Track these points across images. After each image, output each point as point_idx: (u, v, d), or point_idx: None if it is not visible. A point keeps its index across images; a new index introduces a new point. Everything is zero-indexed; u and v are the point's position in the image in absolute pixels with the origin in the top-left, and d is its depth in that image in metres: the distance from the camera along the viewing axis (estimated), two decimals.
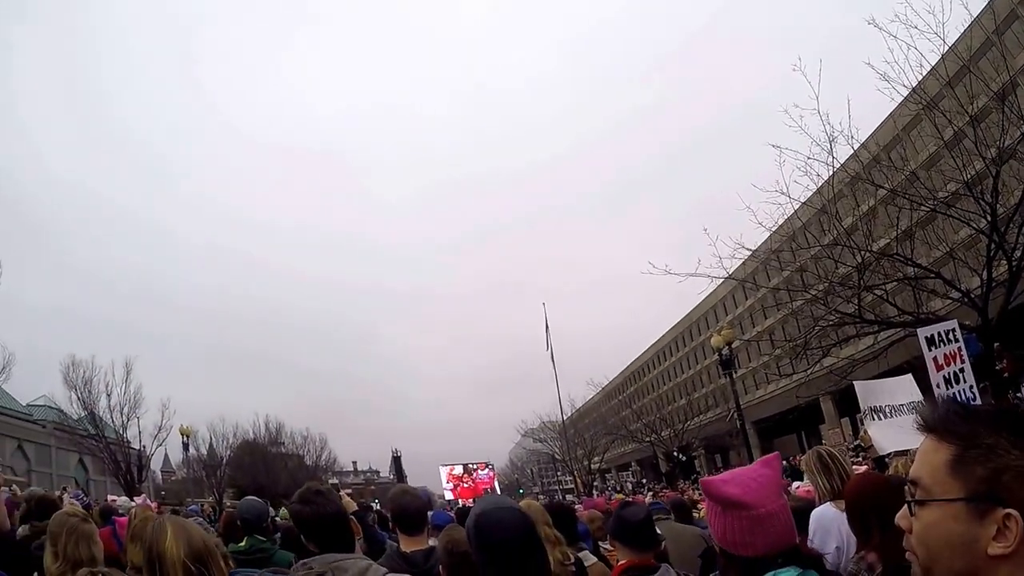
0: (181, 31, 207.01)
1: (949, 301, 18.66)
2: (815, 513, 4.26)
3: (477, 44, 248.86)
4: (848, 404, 50.74)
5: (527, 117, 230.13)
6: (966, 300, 16.96)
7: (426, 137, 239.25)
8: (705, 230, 17.87)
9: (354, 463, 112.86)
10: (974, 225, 16.60)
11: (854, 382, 8.13)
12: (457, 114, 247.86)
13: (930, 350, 8.23)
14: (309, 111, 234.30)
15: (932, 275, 17.69)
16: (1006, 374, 16.09)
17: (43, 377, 58.33)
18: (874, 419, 8.06)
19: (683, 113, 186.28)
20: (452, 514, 7.18)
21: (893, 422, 7.83)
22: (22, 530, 5.89)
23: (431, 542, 4.31)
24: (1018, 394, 17.48)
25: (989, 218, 15.50)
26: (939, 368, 8.20)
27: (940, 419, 1.30)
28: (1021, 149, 15.34)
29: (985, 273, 16.11)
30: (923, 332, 8.38)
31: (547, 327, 60.93)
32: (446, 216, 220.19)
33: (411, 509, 4.27)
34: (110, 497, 16.13)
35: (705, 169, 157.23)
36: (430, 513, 5.16)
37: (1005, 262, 15.77)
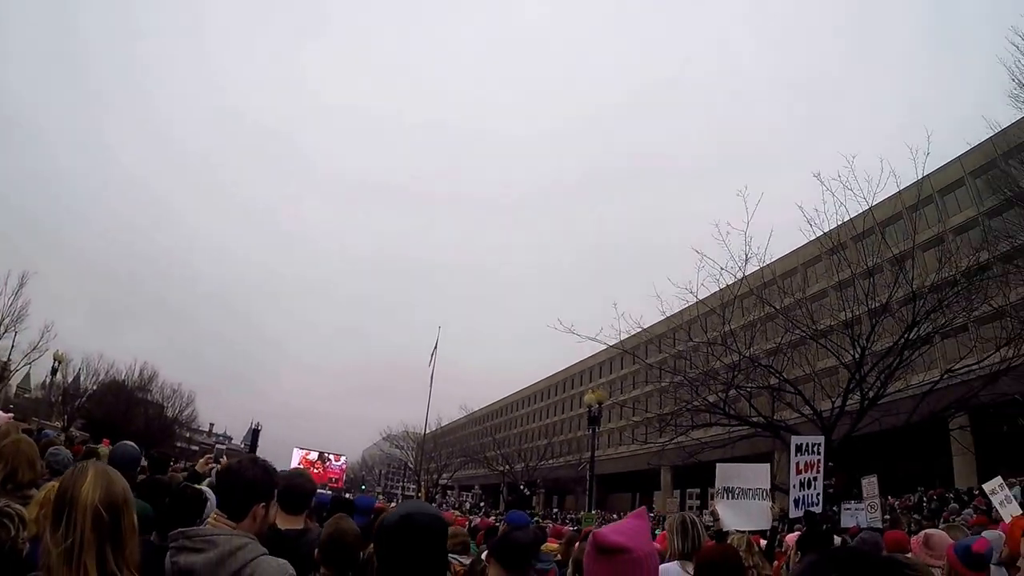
0: None
1: (799, 415, 19.84)
2: (663, 568, 4.36)
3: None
4: (684, 478, 52.83)
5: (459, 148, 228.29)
6: (815, 418, 18.17)
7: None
8: (615, 305, 19.08)
9: (211, 424, 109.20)
10: (840, 358, 17.87)
11: (716, 462, 8.58)
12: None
13: (796, 455, 8.89)
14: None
15: (792, 390, 18.85)
16: (831, 490, 17.20)
17: None
18: (724, 498, 8.50)
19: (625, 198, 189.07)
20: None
21: (740, 503, 8.36)
22: None
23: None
24: (834, 508, 18.71)
25: (856, 356, 16.73)
26: (799, 472, 8.85)
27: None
28: (902, 310, 16.66)
29: (839, 400, 17.36)
30: (795, 440, 9.04)
31: (435, 347, 61.04)
32: (367, 224, 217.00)
33: (301, 491, 4.34)
34: None
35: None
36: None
37: (859, 395, 16.98)
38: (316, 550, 3.82)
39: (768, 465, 9.25)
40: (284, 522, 4.12)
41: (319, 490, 6.20)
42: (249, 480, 2.86)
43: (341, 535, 3.80)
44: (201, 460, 13.39)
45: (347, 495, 23.49)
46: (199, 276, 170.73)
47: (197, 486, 4.26)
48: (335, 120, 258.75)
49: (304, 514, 4.38)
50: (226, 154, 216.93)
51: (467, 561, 5.34)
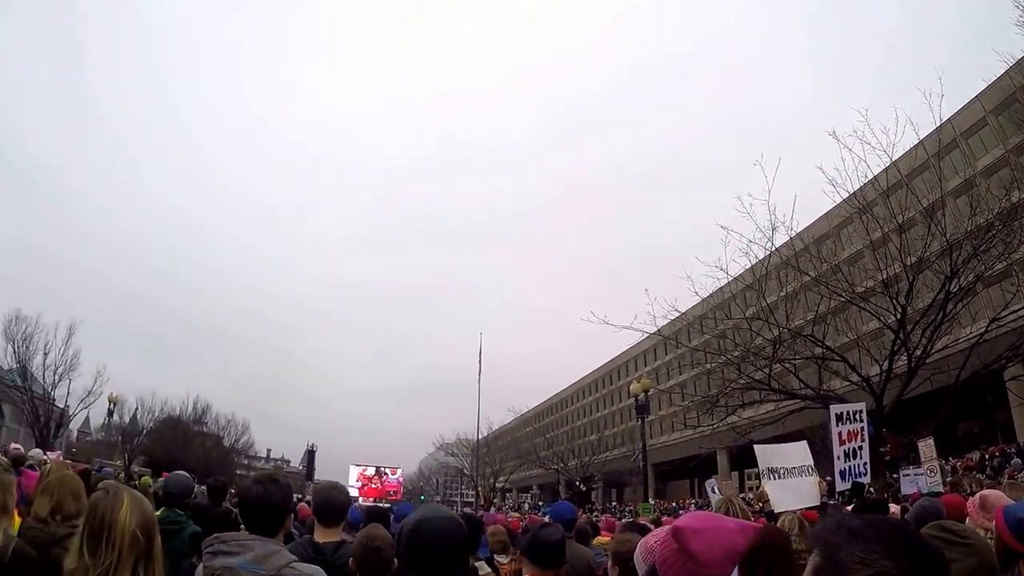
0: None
1: (848, 384, 19.36)
2: None
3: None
4: (741, 460, 52.19)
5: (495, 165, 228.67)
6: (864, 385, 17.72)
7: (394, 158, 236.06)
8: (646, 291, 18.61)
9: (268, 451, 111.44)
10: (883, 320, 17.37)
11: (755, 444, 8.39)
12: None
13: (837, 425, 8.65)
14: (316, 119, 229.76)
15: (838, 358, 18.42)
16: (887, 457, 16.77)
17: None
18: (771, 479, 8.36)
19: (644, 183, 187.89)
20: (361, 511, 7.17)
21: (787, 483, 8.18)
22: None
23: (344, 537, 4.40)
24: (894, 474, 18.20)
25: (899, 316, 16.25)
26: (842, 442, 8.61)
27: (817, 531, 1.30)
28: (938, 262, 16.12)
29: (886, 364, 16.89)
30: (835, 409, 8.81)
31: (480, 356, 61.56)
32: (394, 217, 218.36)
33: (336, 503, 4.37)
34: (13, 445, 15.53)
35: (650, 230, 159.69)
36: None
37: (905, 357, 16.50)
38: (350, 559, 3.87)
39: (805, 442, 9.01)
40: (321, 535, 4.19)
41: (379, 503, 6.19)
42: (254, 496, 2.94)
43: (372, 543, 3.80)
44: None
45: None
46: (244, 301, 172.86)
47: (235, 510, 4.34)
48: (362, 135, 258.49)
49: (340, 526, 4.40)
50: (270, 174, 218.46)
51: (506, 560, 5.35)
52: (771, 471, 8.39)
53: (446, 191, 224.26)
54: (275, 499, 2.93)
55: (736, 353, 19.66)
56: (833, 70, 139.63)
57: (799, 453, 8.66)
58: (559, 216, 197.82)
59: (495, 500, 76.19)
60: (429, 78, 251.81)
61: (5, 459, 4.27)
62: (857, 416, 8.69)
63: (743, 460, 52.04)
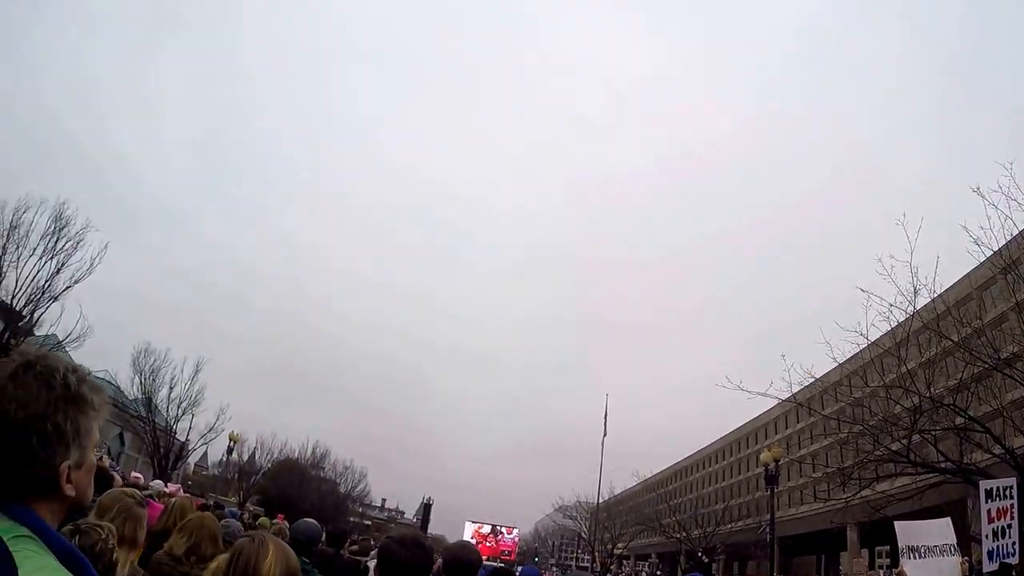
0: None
1: (990, 456, 18.18)
2: None
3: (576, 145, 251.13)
4: (872, 535, 48.84)
5: (634, 220, 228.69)
6: (1008, 458, 16.61)
7: (527, 213, 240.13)
8: (783, 356, 18.23)
9: (383, 500, 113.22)
10: None
11: (895, 521, 8.04)
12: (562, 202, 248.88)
13: (987, 502, 8.22)
14: (416, 171, 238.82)
15: (981, 429, 17.32)
16: None
17: (111, 353, 59.26)
18: (910, 558, 8.04)
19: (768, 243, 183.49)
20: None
21: (928, 563, 7.86)
22: None
23: None
24: None
25: None
26: (991, 520, 8.16)
27: None
28: None
29: None
30: (984, 484, 8.37)
31: (606, 418, 61.46)
32: (529, 291, 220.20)
33: (467, 563, 4.34)
34: (134, 474, 16.60)
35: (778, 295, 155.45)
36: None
37: None
38: None
39: (948, 519, 8.56)
40: None
41: (488, 562, 6.36)
42: (401, 560, 3.08)
43: None
44: None
45: (518, 568, 23.61)
46: (364, 351, 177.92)
47: (362, 559, 4.56)
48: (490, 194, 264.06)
49: None
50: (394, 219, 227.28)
51: None
52: (911, 549, 8.04)
53: (574, 256, 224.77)
54: (420, 563, 3.10)
55: (872, 422, 18.87)
56: (969, 120, 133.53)
57: (942, 530, 8.26)
58: (693, 281, 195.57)
59: (612, 566, 74.47)
60: (565, 151, 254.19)
61: (139, 493, 4.27)
62: (1008, 492, 8.20)
63: (874, 536, 48.74)
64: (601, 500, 66.30)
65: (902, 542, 8.15)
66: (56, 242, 30.21)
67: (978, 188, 16.37)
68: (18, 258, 29.33)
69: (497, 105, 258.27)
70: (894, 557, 45.48)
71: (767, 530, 34.97)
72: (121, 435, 52.90)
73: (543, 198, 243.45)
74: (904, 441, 17.58)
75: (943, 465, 17.65)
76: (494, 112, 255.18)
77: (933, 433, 17.84)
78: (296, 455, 67.51)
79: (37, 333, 32.58)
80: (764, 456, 29.82)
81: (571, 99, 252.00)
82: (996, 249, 16.67)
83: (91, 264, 30.78)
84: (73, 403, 1.45)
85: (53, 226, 30.17)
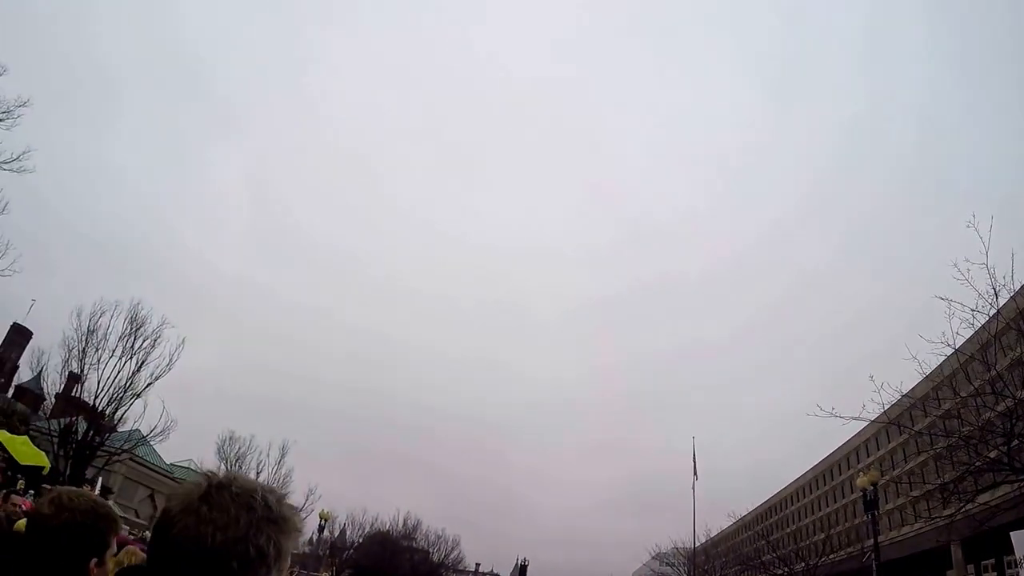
0: None
1: None
2: None
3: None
4: (975, 550, 46.00)
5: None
6: None
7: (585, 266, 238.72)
8: (871, 377, 18.26)
9: (477, 564, 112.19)
10: None
11: (1011, 532, 7.73)
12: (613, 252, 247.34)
13: None
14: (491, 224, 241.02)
15: None
16: None
17: (193, 444, 60.86)
18: None
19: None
20: None
21: None
22: None
23: None
24: None
25: None
26: None
27: None
28: None
29: None
30: None
31: (695, 460, 60.55)
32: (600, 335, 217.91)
33: None
34: None
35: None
36: None
37: None
38: None
39: None
40: None
41: None
42: None
43: None
44: None
45: None
46: (457, 411, 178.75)
47: None
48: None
49: None
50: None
51: None
52: None
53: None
54: None
55: (967, 432, 18.15)
56: None
57: None
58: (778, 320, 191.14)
59: None
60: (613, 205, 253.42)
61: None
62: None
63: (980, 551, 45.82)
64: (698, 543, 64.74)
65: (1019, 553, 7.89)
66: (134, 342, 31.81)
67: None
68: (98, 360, 30.87)
69: None
70: (1000, 570, 42.79)
71: (871, 556, 33.50)
72: None
73: (600, 246, 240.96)
74: (1002, 448, 16.84)
75: None
76: None
77: None
78: (387, 527, 68.57)
79: (120, 430, 34.05)
80: (860, 481, 28.87)
81: None
82: None
83: (170, 360, 32.33)
84: (275, 524, 1.44)
85: (129, 327, 31.79)
